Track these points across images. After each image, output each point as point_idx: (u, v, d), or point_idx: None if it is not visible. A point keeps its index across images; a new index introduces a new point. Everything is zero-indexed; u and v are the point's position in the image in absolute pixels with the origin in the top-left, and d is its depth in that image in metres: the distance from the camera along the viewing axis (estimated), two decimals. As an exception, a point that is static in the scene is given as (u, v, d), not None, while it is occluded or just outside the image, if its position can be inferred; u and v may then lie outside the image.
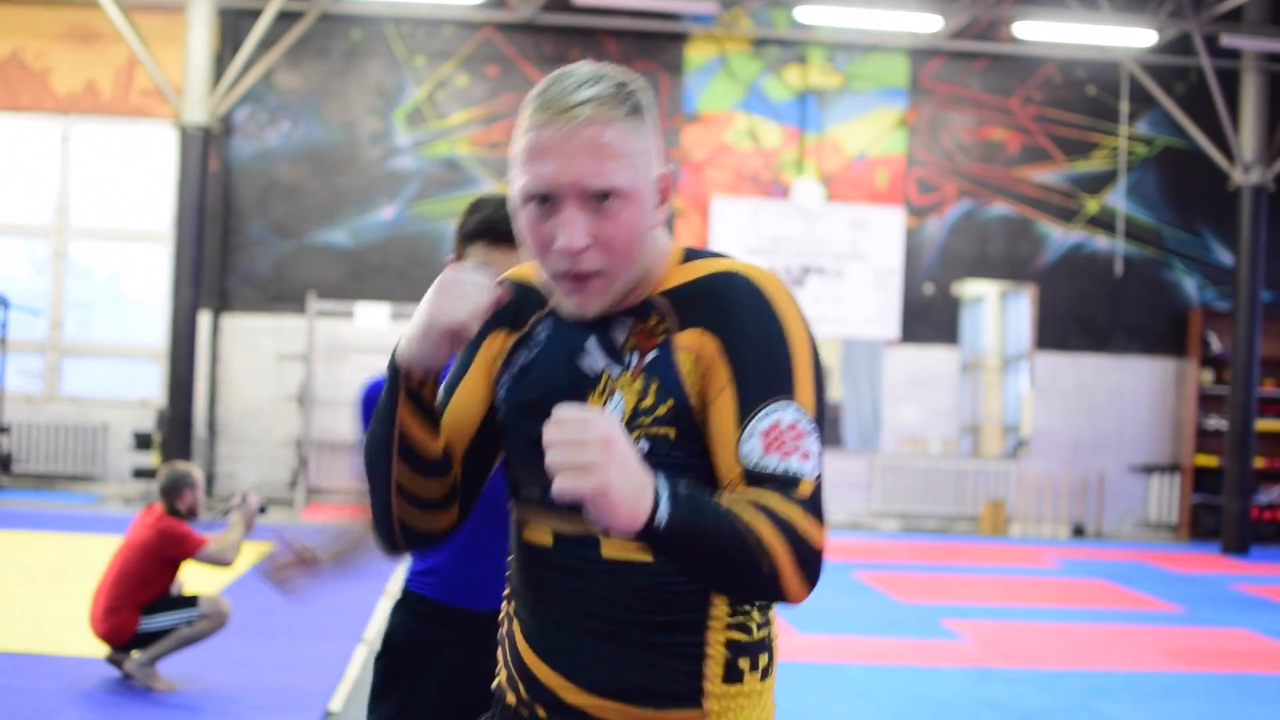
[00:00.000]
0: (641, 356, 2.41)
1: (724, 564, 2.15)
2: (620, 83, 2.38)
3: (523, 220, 2.38)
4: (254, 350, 18.78)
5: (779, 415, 2.27)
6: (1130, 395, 19.84)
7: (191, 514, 8.38)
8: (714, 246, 18.05)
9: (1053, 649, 10.84)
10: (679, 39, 19.27)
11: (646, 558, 2.35)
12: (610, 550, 2.38)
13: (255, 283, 18.78)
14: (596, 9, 18.57)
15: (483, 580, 3.62)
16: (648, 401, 2.37)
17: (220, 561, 8.19)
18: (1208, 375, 19.75)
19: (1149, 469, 19.86)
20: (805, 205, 19.19)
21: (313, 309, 18.30)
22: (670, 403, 2.35)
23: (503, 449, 2.58)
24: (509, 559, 2.57)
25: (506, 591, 2.57)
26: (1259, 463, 19.32)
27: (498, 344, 2.57)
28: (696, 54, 19.34)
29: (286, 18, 18.22)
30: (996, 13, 18.11)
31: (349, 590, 10.70)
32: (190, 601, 8.27)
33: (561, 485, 2.04)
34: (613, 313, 2.44)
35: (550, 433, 2.05)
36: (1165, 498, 19.85)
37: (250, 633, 9.64)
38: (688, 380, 2.35)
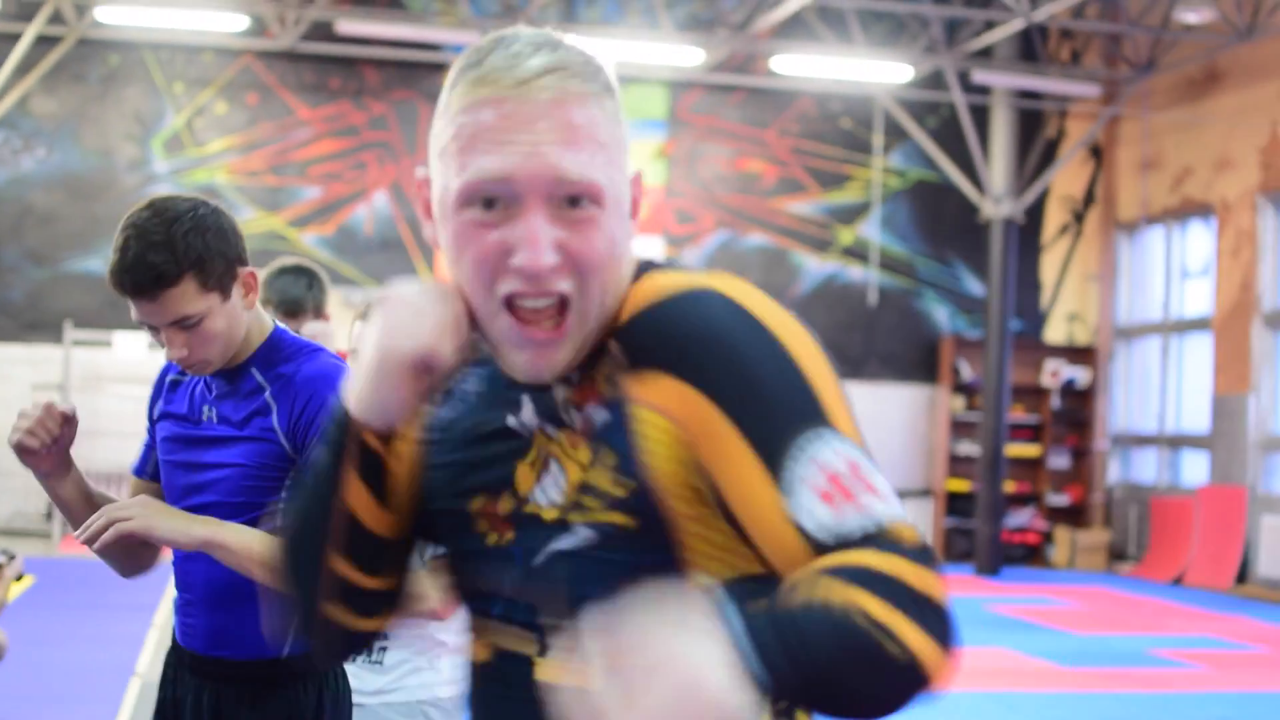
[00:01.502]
0: (583, 416, 2.05)
1: (848, 679, 1.77)
2: (582, 50, 2.05)
3: (452, 233, 2.01)
4: (7, 380, 21.03)
5: (819, 454, 1.88)
6: (884, 422, 22.98)
7: None
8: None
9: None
10: (439, 69, 22.06)
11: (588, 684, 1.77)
12: (544, 673, 2.02)
13: (9, 311, 21.12)
14: (356, 39, 21.17)
15: (240, 627, 3.71)
16: (597, 479, 2.01)
17: None
18: (959, 402, 23.02)
19: (902, 494, 22.99)
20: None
21: (69, 338, 20.68)
22: (629, 485, 1.99)
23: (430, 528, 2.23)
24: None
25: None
26: (1009, 487, 22.43)
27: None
28: (457, 84, 22.06)
29: (43, 42, 20.70)
30: (755, 47, 21.08)
31: (119, 624, 13.03)
32: None
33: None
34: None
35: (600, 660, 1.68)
36: (918, 521, 22.83)
37: (24, 666, 10.12)
38: (657, 454, 1.98)
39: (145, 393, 21.66)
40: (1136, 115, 23.13)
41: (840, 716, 1.81)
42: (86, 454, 20.93)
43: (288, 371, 3.69)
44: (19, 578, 9.03)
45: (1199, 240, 22.42)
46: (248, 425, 3.69)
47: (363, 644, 2.26)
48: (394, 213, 21.84)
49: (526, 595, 2.09)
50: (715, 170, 22.88)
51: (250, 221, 21.50)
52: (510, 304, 1.99)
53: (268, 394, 3.69)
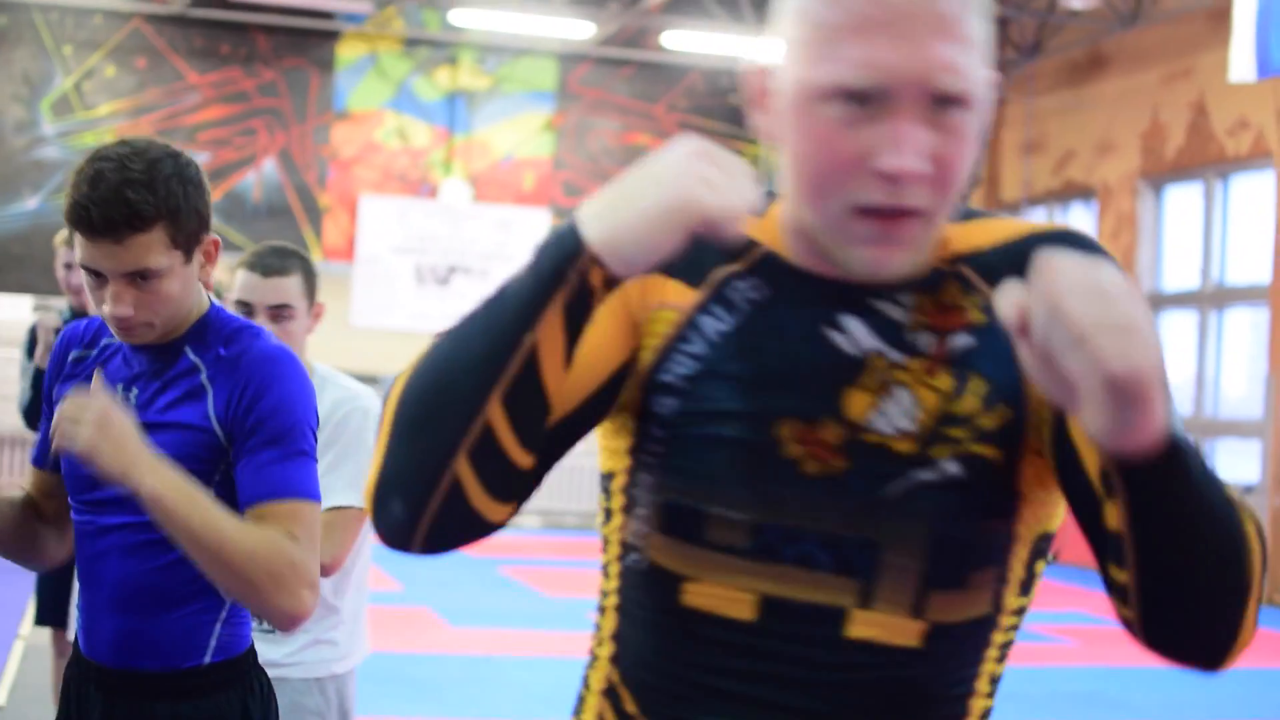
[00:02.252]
0: (941, 341, 1.88)
1: (1216, 532, 1.71)
2: None
3: (802, 129, 1.84)
4: (-113, 339, 20.92)
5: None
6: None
7: None
8: (361, 246, 21.04)
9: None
10: (331, 36, 22.09)
11: (911, 641, 1.83)
12: (861, 629, 1.84)
13: (-109, 270, 20.96)
14: (248, 4, 21.17)
15: (154, 632, 3.30)
16: (966, 406, 1.86)
17: None
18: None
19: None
20: (453, 205, 22.17)
21: (-48, 298, 20.56)
22: (1004, 412, 1.86)
23: (636, 452, 1.94)
24: (621, 628, 2.00)
25: (611, 676, 2.01)
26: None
27: (656, 294, 1.94)
28: (348, 52, 22.19)
29: (-69, 3, 20.50)
30: (646, 22, 21.23)
31: None
32: None
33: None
34: (879, 282, 1.90)
35: None
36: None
37: None
38: (1029, 383, 1.83)
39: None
40: (1020, 99, 23.44)
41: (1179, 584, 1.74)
42: (-32, 416, 20.92)
43: (229, 354, 3.26)
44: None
45: (1080, 222, 22.74)
46: (174, 410, 3.24)
47: (472, 536, 1.85)
48: (283, 180, 21.86)
49: (869, 530, 1.84)
50: (603, 144, 23.02)
51: (138, 186, 21.44)
52: (861, 209, 1.80)
53: (203, 376, 3.26)
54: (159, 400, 3.28)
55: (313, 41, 22.17)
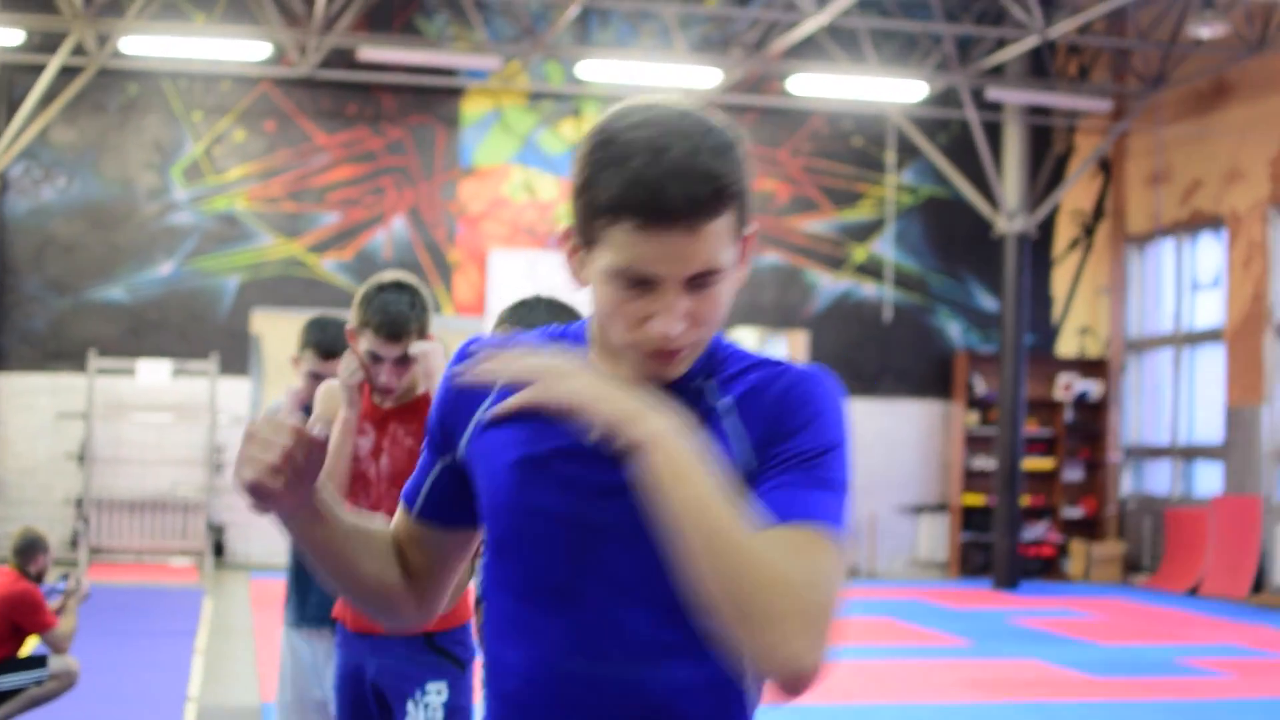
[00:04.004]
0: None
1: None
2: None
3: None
4: (31, 409, 21.31)
5: None
6: (900, 437, 23.22)
7: (39, 578, 9.17)
8: (491, 299, 21.19)
9: (858, 685, 12.52)
10: (455, 93, 22.29)
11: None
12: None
13: (31, 340, 21.36)
14: (374, 65, 21.41)
15: None
16: None
17: (58, 648, 9.12)
18: (973, 417, 23.24)
19: (918, 509, 23.24)
20: (581, 256, 22.20)
21: (93, 366, 20.92)
22: None
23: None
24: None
25: None
26: (1024, 500, 22.62)
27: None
28: (472, 108, 22.38)
29: (65, 73, 20.90)
30: (769, 68, 21.32)
31: (161, 650, 13.23)
32: (39, 661, 9.05)
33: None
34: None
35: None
36: (934, 536, 23.22)
37: (82, 695, 10.21)
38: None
39: (166, 420, 21.88)
40: (1146, 129, 23.39)
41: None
42: (110, 482, 21.17)
43: (755, 381, 2.49)
44: (84, 599, 9.33)
45: (1209, 252, 22.65)
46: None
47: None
48: (412, 237, 22.06)
49: None
50: (729, 190, 23.03)
51: (269, 248, 21.75)
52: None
53: (735, 415, 2.47)
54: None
55: (438, 99, 22.38)
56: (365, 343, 5.34)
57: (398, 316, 5.32)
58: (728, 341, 2.57)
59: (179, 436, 21.51)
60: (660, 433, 2.27)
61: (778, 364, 2.49)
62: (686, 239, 2.30)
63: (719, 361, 2.51)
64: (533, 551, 2.49)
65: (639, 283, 2.33)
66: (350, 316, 5.41)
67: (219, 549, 21.34)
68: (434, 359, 5.41)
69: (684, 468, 2.25)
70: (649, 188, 2.27)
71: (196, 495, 21.32)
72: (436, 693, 5.36)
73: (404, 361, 5.40)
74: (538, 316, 4.85)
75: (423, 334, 5.45)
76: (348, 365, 5.37)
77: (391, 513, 5.51)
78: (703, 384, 2.49)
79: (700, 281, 2.34)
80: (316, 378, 6.33)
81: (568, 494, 2.47)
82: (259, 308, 21.82)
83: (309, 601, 6.45)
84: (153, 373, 21.00)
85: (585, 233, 2.37)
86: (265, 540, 20.66)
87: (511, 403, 2.38)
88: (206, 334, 21.49)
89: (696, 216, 2.29)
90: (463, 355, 2.60)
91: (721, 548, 2.20)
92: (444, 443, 2.66)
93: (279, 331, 23.28)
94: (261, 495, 2.45)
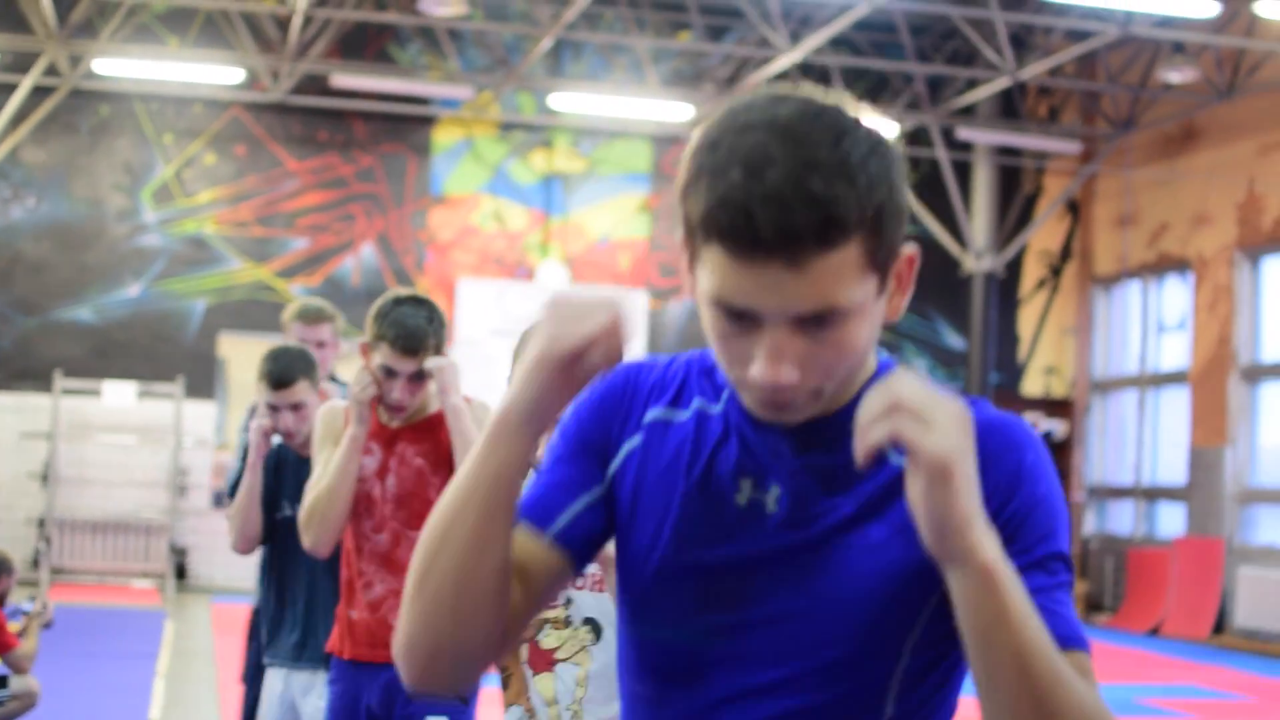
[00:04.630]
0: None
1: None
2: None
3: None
4: (-5, 427, 21.21)
5: None
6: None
7: (2, 599, 9.15)
8: (460, 328, 21.26)
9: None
10: (427, 122, 22.35)
11: None
12: None
13: (-3, 359, 21.26)
14: (346, 92, 21.45)
15: None
16: None
17: (19, 669, 8.95)
18: (938, 454, 23.21)
19: (882, 545, 23.24)
20: (549, 287, 22.31)
21: (58, 386, 20.91)
22: None
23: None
24: None
25: None
26: (986, 539, 22.64)
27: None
28: (444, 137, 22.44)
29: (36, 92, 20.93)
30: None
31: (121, 672, 13.24)
32: (1, 682, 8.98)
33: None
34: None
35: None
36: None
37: (55, 717, 10.35)
38: None
39: (131, 442, 21.82)
40: (1114, 171, 23.53)
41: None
42: (73, 502, 21.13)
43: None
44: (47, 625, 9.30)
45: (1175, 295, 22.77)
46: (877, 517, 2.04)
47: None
48: (381, 264, 22.10)
49: None
50: (698, 224, 23.13)
51: (238, 272, 21.76)
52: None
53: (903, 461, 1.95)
54: (844, 504, 2.06)
55: (409, 127, 22.44)
56: (379, 357, 5.20)
57: (415, 330, 5.18)
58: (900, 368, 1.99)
59: (143, 458, 21.49)
60: (994, 551, 1.82)
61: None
62: (788, 274, 1.86)
63: None
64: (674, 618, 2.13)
65: (738, 316, 1.92)
66: (365, 330, 5.26)
67: (181, 571, 21.31)
68: (449, 375, 5.25)
69: (1009, 592, 1.83)
70: (739, 211, 1.86)
71: (160, 517, 21.29)
72: None
73: (419, 378, 5.27)
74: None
75: (439, 350, 5.31)
76: (359, 380, 5.23)
77: (396, 536, 5.32)
78: None
79: (817, 322, 1.90)
80: (272, 409, 6.17)
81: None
82: (226, 331, 21.83)
83: (286, 640, 6.23)
84: (118, 394, 20.98)
85: (688, 245, 1.99)
86: (227, 564, 20.62)
87: (874, 435, 1.81)
88: (173, 356, 21.48)
89: (798, 249, 1.85)
90: (629, 384, 2.20)
91: (1038, 675, 1.85)
92: (603, 462, 2.18)
93: (245, 356, 23.19)
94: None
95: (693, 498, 2.10)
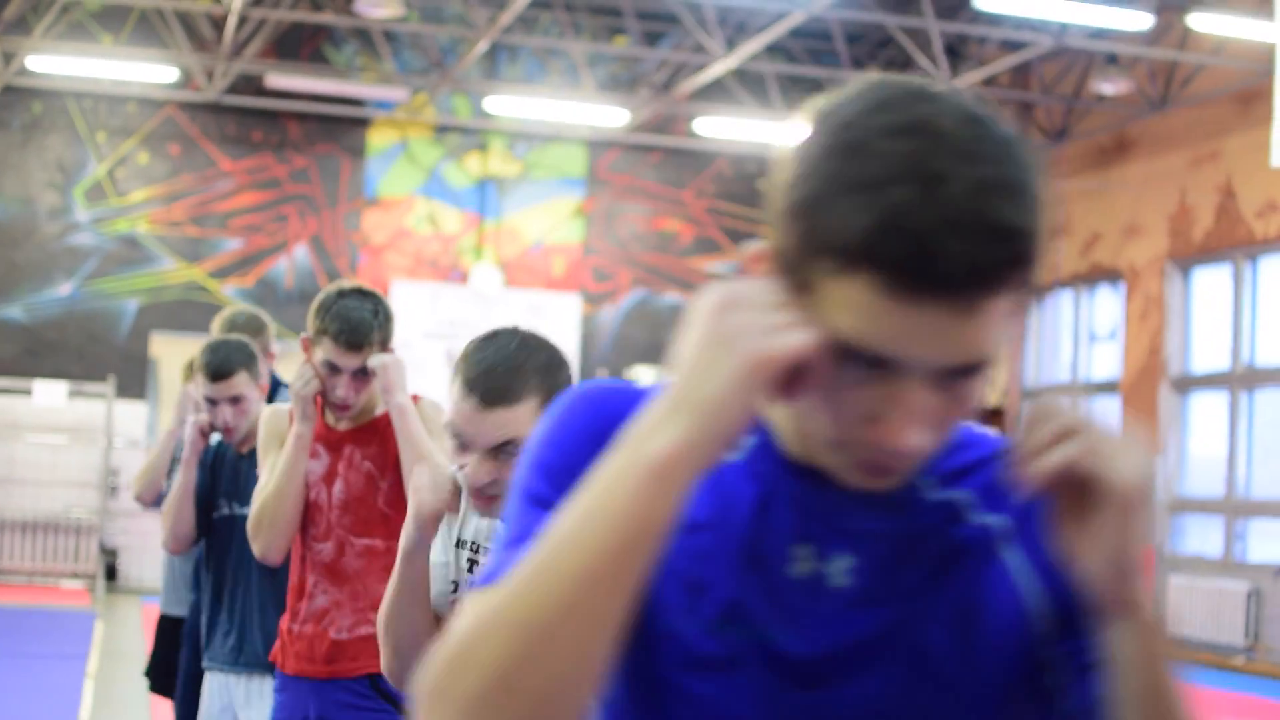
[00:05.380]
0: None
1: None
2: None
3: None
4: (-77, 426, 21.09)
5: None
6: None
7: None
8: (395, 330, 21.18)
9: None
10: (362, 124, 22.34)
11: None
12: None
13: (-74, 357, 21.14)
14: (280, 92, 21.40)
15: None
16: None
17: None
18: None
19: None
20: (483, 291, 22.36)
21: (-13, 384, 20.75)
22: None
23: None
24: None
25: None
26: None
27: None
28: (379, 139, 22.42)
29: (-33, 91, 20.75)
30: (676, 109, 21.48)
31: (50, 674, 13.20)
32: None
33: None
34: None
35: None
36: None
37: None
38: None
39: (61, 442, 21.72)
40: (1047, 182, 23.65)
41: None
42: (3, 502, 21.04)
43: (998, 475, 1.72)
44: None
45: (1107, 305, 22.91)
46: (939, 591, 1.71)
47: None
48: (314, 266, 22.06)
49: None
50: (632, 229, 23.24)
51: (170, 272, 21.69)
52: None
53: (1019, 545, 1.73)
54: (905, 576, 1.72)
55: (344, 128, 22.41)
56: (322, 352, 4.94)
57: (359, 324, 4.91)
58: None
59: (74, 458, 21.39)
60: (1148, 603, 1.58)
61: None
62: (953, 318, 1.51)
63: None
64: None
65: (873, 363, 1.53)
66: (307, 324, 5.00)
67: (111, 572, 21.21)
68: (393, 373, 4.92)
69: (1162, 649, 1.61)
70: (919, 239, 1.47)
71: (90, 518, 21.21)
72: None
73: (363, 375, 5.01)
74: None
75: (384, 345, 5.04)
76: (302, 375, 4.98)
77: (341, 544, 5.09)
78: (936, 488, 1.74)
79: (960, 374, 1.56)
80: (210, 403, 5.99)
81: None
82: (158, 331, 21.75)
83: (217, 639, 6.07)
84: (49, 394, 20.87)
85: (797, 269, 1.56)
86: (158, 565, 20.48)
87: (1050, 462, 1.58)
88: (104, 356, 21.40)
89: (979, 289, 1.51)
90: (587, 399, 1.79)
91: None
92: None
93: (178, 356, 22.91)
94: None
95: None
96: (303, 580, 5.24)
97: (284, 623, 5.30)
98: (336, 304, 4.96)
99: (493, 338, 3.30)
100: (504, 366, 3.23)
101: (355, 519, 5.15)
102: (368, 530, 5.14)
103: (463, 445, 3.21)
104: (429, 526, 3.34)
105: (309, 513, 5.17)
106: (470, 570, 3.49)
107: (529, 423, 3.04)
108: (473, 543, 3.55)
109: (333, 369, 5.00)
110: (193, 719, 6.43)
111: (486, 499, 3.28)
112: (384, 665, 3.46)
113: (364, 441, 5.15)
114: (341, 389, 5.04)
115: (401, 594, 3.37)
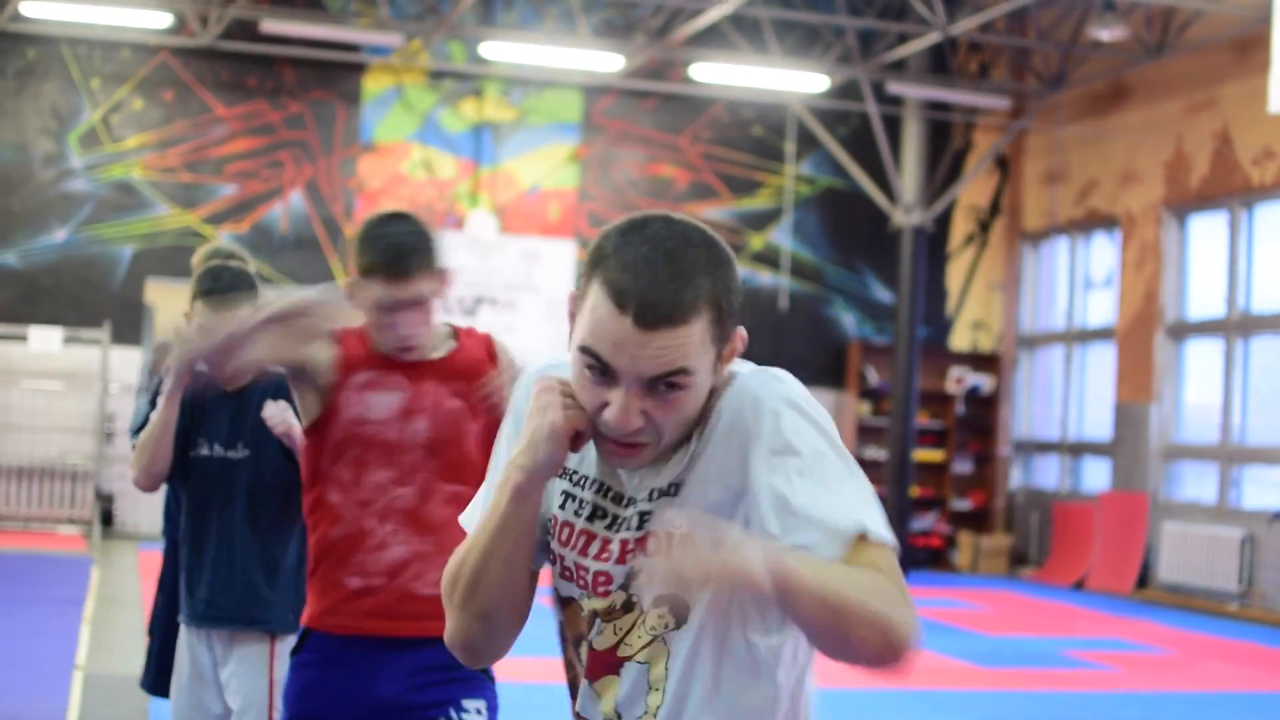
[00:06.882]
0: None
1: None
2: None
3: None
4: (-82, 372, 21.12)
5: None
6: (792, 427, 23.29)
7: None
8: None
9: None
10: (357, 69, 22.30)
11: None
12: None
13: (-79, 303, 21.15)
14: (275, 38, 21.35)
15: None
16: None
17: None
18: (865, 407, 23.50)
19: (809, 498, 23.34)
20: (479, 237, 22.37)
21: (-18, 331, 20.77)
22: None
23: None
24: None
25: None
26: (913, 491, 22.87)
27: None
28: (373, 84, 22.40)
29: (-40, 37, 20.72)
30: (672, 54, 21.45)
31: (49, 618, 13.25)
32: None
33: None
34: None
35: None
36: (823, 526, 23.32)
37: None
38: None
39: (57, 388, 21.72)
40: (1044, 128, 23.67)
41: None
42: (-1, 448, 21.06)
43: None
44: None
45: (1103, 252, 22.96)
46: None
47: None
48: (309, 211, 22.06)
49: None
50: (628, 175, 23.24)
51: (165, 218, 21.69)
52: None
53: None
54: None
55: (339, 74, 22.39)
56: (373, 290, 4.45)
57: (407, 249, 4.47)
58: None
59: (69, 404, 21.44)
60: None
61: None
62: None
63: None
64: None
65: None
66: (349, 264, 4.53)
67: (107, 518, 21.28)
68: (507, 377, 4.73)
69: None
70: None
71: (85, 464, 21.26)
72: (476, 712, 4.58)
73: (421, 305, 4.55)
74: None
75: (435, 269, 4.62)
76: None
77: (426, 490, 4.67)
78: None
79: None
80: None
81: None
82: (153, 277, 21.75)
83: (197, 595, 5.77)
84: (44, 340, 20.89)
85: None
86: (154, 510, 20.57)
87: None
88: (99, 302, 21.41)
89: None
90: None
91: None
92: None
93: (173, 302, 23.12)
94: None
95: None
96: (361, 529, 4.61)
97: (331, 576, 4.66)
98: (380, 234, 4.51)
99: (643, 226, 2.58)
100: (670, 272, 2.51)
101: (443, 462, 4.64)
102: (458, 475, 4.64)
103: (605, 376, 2.55)
104: (560, 450, 2.60)
105: (377, 452, 4.63)
106: (562, 508, 2.80)
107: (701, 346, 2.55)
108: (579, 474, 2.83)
109: (387, 307, 4.53)
110: (168, 674, 6.09)
111: (628, 448, 2.60)
112: (454, 633, 2.80)
113: (449, 376, 4.71)
114: (405, 325, 4.56)
115: (503, 542, 2.68)
